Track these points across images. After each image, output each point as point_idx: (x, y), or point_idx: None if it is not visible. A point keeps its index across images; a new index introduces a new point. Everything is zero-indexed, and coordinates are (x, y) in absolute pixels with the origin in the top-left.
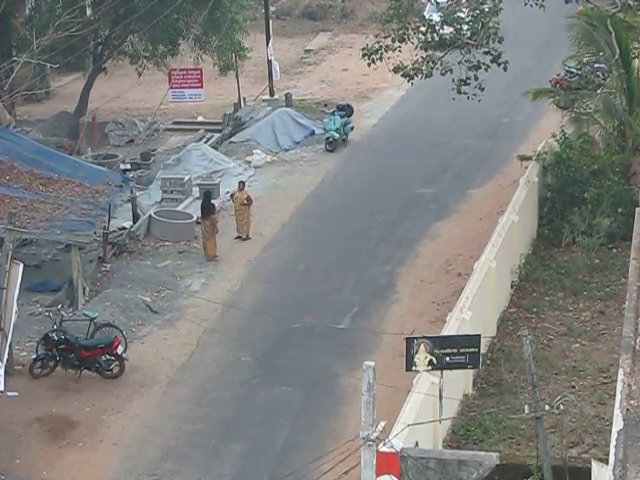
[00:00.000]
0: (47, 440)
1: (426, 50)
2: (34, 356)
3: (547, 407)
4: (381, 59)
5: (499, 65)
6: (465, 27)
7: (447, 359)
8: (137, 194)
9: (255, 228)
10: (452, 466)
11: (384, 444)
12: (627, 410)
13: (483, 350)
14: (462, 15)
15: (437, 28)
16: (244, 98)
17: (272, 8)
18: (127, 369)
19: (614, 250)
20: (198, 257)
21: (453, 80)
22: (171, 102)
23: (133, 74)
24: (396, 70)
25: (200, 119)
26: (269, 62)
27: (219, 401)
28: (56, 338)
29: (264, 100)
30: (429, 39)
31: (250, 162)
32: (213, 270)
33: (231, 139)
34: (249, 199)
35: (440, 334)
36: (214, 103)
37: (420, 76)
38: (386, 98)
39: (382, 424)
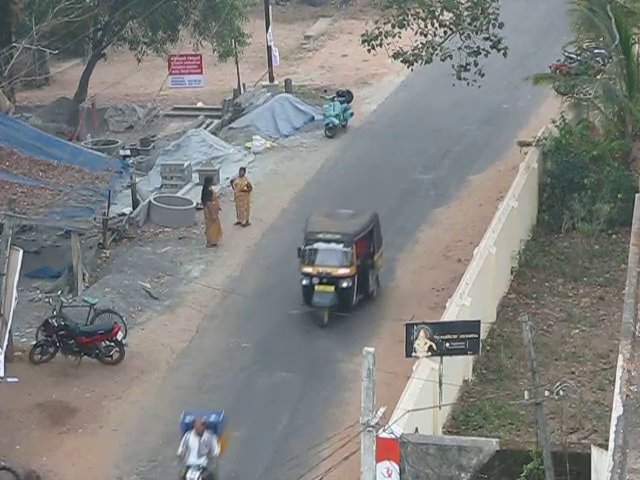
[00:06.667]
0: (47, 426)
1: (425, 36)
2: (34, 342)
3: (547, 393)
4: (381, 45)
5: (499, 51)
6: (465, 13)
7: (447, 345)
8: (137, 180)
9: (255, 214)
10: (452, 452)
11: (384, 430)
12: (627, 396)
13: (483, 336)
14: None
15: (437, 14)
16: (244, 84)
17: None
18: (127, 355)
19: (614, 236)
20: (198, 243)
21: (453, 66)
22: (171, 88)
23: (132, 60)
24: (396, 56)
25: (200, 105)
26: (269, 48)
27: (219, 387)
28: (56, 324)
29: (264, 86)
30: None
31: (250, 148)
32: (213, 256)
33: (231, 125)
34: (249, 186)
35: (440, 320)
36: (214, 89)
37: (420, 62)
38: (386, 84)
39: (382, 410)
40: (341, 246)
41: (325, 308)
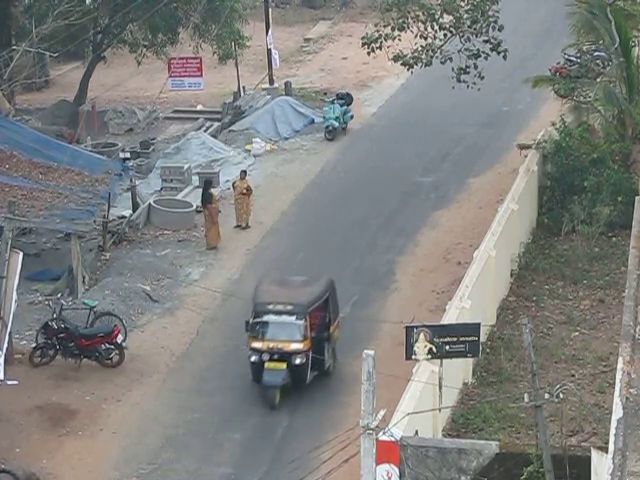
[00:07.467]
0: (47, 429)
1: (425, 38)
2: (34, 345)
3: (547, 396)
4: (381, 48)
5: (499, 53)
6: (465, 15)
7: (447, 348)
8: (137, 183)
9: (255, 217)
10: (452, 455)
11: (384, 433)
12: (627, 398)
13: (483, 339)
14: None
15: (437, 17)
16: (243, 87)
17: None
18: (127, 358)
19: (614, 239)
20: (198, 246)
21: (453, 69)
22: (171, 91)
23: (132, 63)
24: (396, 59)
25: (199, 108)
26: (268, 51)
27: (218, 390)
28: (56, 327)
29: (263, 89)
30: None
31: (250, 151)
32: (213, 259)
33: (231, 128)
34: (249, 189)
35: (440, 323)
36: (213, 92)
37: (420, 65)
38: (386, 87)
39: (382, 413)
40: (293, 318)
41: (276, 388)
